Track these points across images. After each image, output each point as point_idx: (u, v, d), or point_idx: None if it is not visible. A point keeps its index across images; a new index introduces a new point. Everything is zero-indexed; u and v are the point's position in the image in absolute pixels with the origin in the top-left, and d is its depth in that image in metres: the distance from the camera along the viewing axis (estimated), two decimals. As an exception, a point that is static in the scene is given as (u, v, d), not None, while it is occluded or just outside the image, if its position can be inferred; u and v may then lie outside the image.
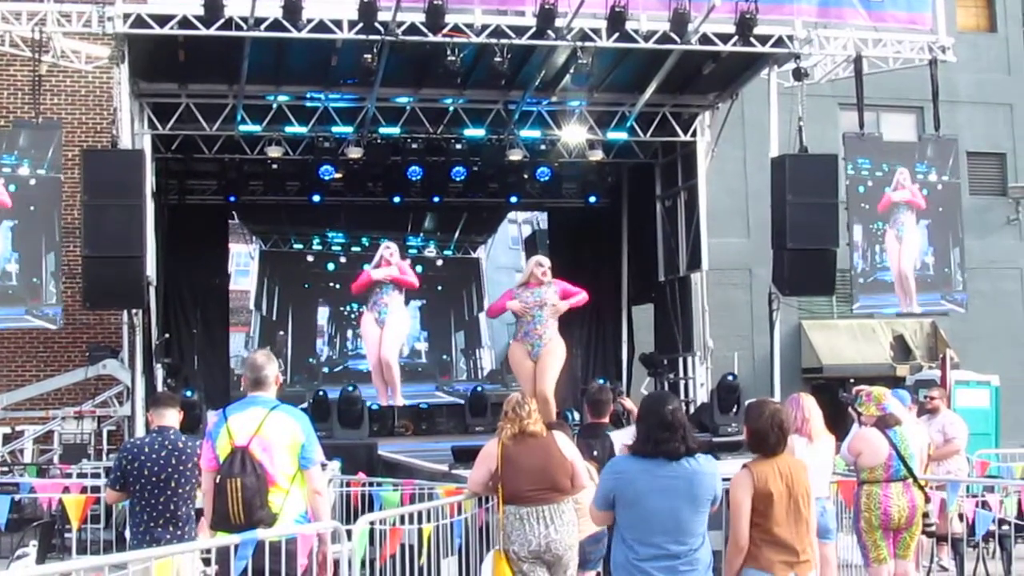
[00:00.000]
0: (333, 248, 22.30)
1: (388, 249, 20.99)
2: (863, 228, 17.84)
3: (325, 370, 21.81)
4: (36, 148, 16.03)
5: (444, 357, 22.26)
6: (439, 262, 22.67)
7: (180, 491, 7.95)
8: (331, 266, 22.35)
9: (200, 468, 7.66)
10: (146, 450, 8.04)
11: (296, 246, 22.23)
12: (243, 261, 21.58)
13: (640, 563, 6.24)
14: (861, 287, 18.05)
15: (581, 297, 12.22)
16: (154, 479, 7.91)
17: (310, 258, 22.32)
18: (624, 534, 6.35)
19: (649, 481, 6.26)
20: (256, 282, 21.75)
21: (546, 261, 12.05)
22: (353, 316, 21.76)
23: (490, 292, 22.74)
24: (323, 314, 22.19)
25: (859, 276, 17.96)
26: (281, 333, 21.80)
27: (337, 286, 22.24)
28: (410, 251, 22.27)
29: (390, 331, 20.59)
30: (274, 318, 21.87)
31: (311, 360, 22.00)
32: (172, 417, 8.24)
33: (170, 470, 7.93)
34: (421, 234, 22.62)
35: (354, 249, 22.27)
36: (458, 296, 22.88)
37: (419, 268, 21.91)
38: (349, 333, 22.05)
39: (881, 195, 17.84)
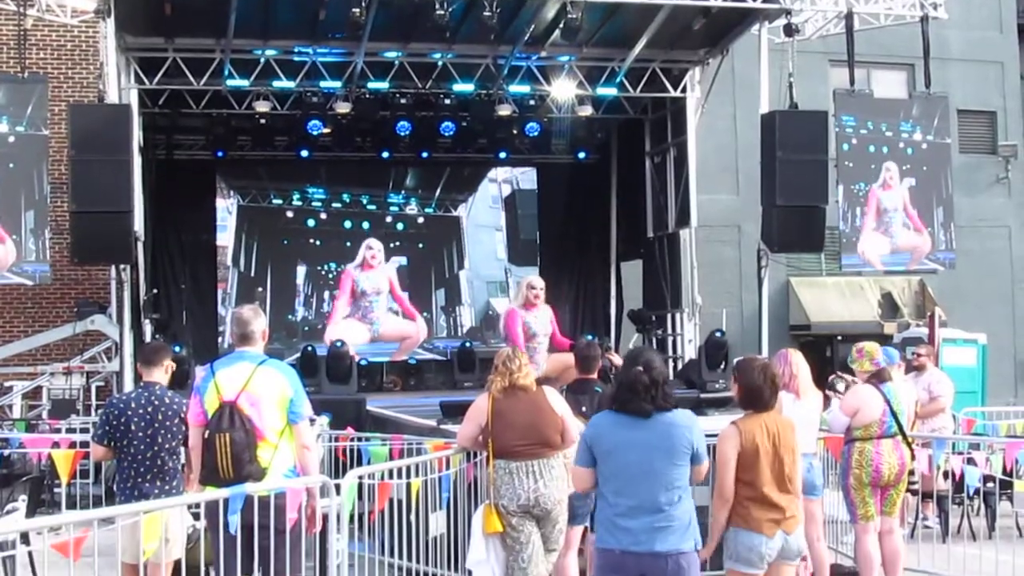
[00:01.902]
0: (313, 204, 22.13)
1: (370, 250, 21.35)
2: (844, 188, 17.88)
3: (305, 329, 21.83)
4: (15, 105, 15.98)
5: (424, 314, 22.24)
6: (420, 219, 22.60)
7: (166, 446, 7.96)
8: (311, 222, 22.18)
9: (186, 423, 7.68)
10: (132, 405, 8.04)
11: (275, 201, 22.03)
12: (221, 216, 21.42)
13: (618, 518, 6.24)
14: (844, 247, 18.15)
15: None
16: (140, 434, 7.91)
17: (289, 214, 22.13)
18: (603, 489, 6.38)
19: (623, 434, 6.28)
20: (234, 238, 21.56)
21: (538, 283, 12.02)
22: (331, 276, 21.77)
23: (470, 251, 22.84)
24: (300, 274, 22.08)
25: (841, 236, 18.04)
26: (260, 290, 21.73)
27: (317, 243, 22.17)
28: (391, 208, 22.28)
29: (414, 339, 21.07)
30: (252, 274, 21.73)
31: (290, 317, 21.93)
32: (159, 374, 8.23)
33: (156, 425, 7.93)
34: (403, 191, 22.55)
35: (335, 205, 22.17)
36: (439, 254, 22.83)
37: (400, 225, 22.10)
38: (326, 294, 22.00)
39: (866, 156, 17.92)
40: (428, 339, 21.97)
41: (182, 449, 7.97)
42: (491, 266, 23.11)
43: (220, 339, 20.64)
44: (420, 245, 22.59)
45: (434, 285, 22.59)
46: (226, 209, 21.45)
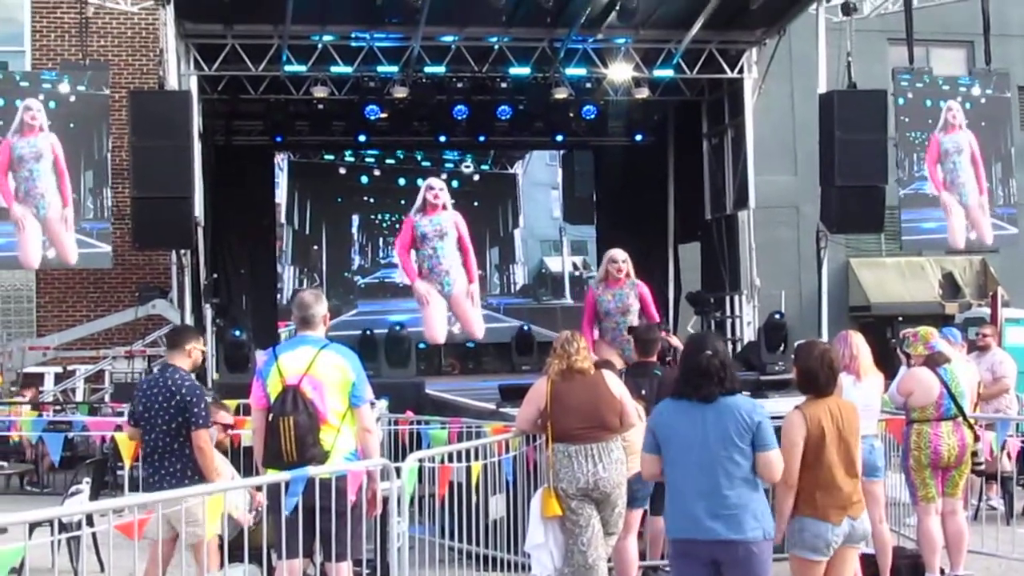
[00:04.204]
0: (366, 160, 22.17)
1: (432, 190, 20.56)
2: (900, 136, 17.85)
3: (359, 280, 21.94)
4: (76, 69, 16.33)
5: (479, 272, 22.26)
6: (475, 177, 22.65)
7: (163, 427, 7.90)
8: (364, 179, 22.28)
9: (184, 403, 7.79)
10: (144, 387, 8.19)
11: (327, 157, 22.08)
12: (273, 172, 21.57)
13: (685, 505, 6.19)
14: (903, 201, 18.00)
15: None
16: (147, 414, 7.97)
17: (342, 171, 22.18)
18: (668, 475, 6.35)
19: (686, 419, 6.25)
20: (286, 195, 21.66)
21: (620, 255, 11.59)
22: (385, 225, 21.89)
23: (526, 209, 22.92)
24: (354, 222, 22.15)
25: (899, 185, 17.89)
26: (315, 248, 21.88)
27: (371, 200, 22.28)
28: (446, 165, 22.35)
29: (475, 309, 19.91)
30: (307, 232, 21.89)
31: (346, 274, 22.07)
32: (179, 357, 8.21)
33: (157, 407, 7.92)
34: (458, 149, 22.57)
35: (388, 161, 22.22)
36: (494, 212, 22.91)
37: (455, 183, 21.87)
38: (380, 241, 22.07)
39: (927, 125, 17.81)
40: (482, 296, 20.95)
41: (203, 432, 7.86)
42: (546, 225, 23.19)
43: (279, 296, 20.95)
44: (475, 203, 22.54)
45: (488, 244, 22.63)
46: (277, 165, 21.56)
